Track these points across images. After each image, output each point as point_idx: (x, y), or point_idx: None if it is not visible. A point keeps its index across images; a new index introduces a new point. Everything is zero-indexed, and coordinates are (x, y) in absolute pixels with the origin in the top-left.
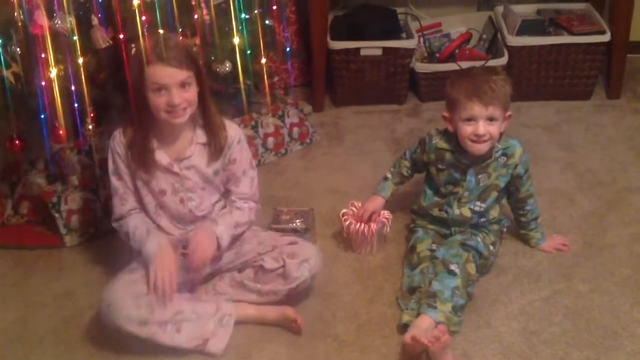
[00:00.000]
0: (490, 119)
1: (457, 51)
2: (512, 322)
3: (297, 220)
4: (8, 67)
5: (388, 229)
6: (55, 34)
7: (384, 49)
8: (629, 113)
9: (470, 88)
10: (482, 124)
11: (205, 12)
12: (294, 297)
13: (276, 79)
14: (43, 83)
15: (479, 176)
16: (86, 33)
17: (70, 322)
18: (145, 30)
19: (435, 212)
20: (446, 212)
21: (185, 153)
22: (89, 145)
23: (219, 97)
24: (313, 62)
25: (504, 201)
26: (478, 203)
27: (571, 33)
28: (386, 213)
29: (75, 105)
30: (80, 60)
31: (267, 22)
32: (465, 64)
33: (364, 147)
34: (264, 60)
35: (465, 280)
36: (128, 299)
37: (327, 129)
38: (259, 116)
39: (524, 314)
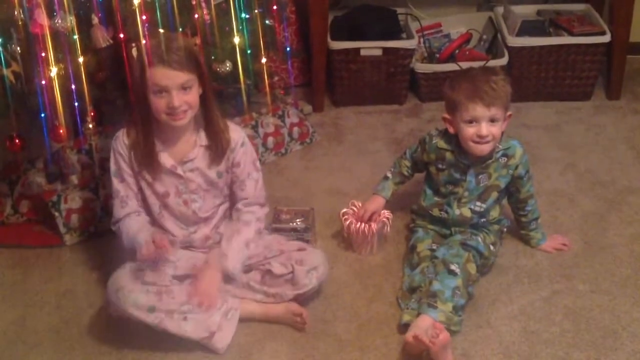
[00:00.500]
0: (492, 120)
1: (457, 51)
2: (513, 321)
3: (298, 220)
4: (8, 66)
5: (388, 229)
6: (56, 33)
7: (384, 49)
8: (628, 114)
9: (471, 89)
10: (484, 126)
11: (205, 11)
12: (299, 301)
13: (276, 78)
14: (43, 82)
15: (479, 176)
16: (86, 32)
17: (69, 321)
18: (145, 29)
19: (436, 212)
20: (446, 212)
21: (188, 155)
22: (89, 144)
23: (219, 96)
24: (313, 62)
25: (505, 201)
26: (478, 203)
27: (571, 34)
28: (386, 213)
29: (76, 104)
30: (81, 60)
31: (267, 22)
32: (465, 65)
33: (364, 147)
34: (264, 60)
35: (466, 280)
36: (136, 285)
37: (327, 129)
38: (259, 116)
39: (525, 313)
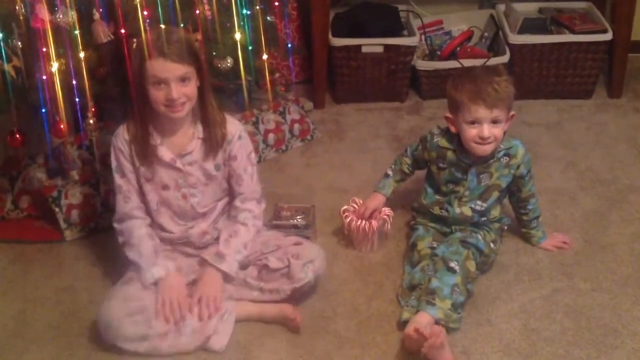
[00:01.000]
0: (495, 122)
1: (458, 49)
2: (513, 319)
3: (298, 217)
4: (9, 60)
5: (389, 226)
6: (57, 28)
7: (386, 46)
8: (630, 112)
9: (473, 90)
10: (486, 127)
11: (207, 7)
12: (297, 297)
13: (277, 75)
14: (44, 77)
15: (481, 176)
16: (87, 27)
17: (69, 316)
18: (146, 25)
19: (436, 210)
20: (447, 210)
21: (186, 148)
22: (90, 139)
23: (220, 93)
24: (314, 58)
25: (505, 200)
26: (479, 202)
27: (573, 32)
28: (387, 210)
29: (76, 99)
30: (82, 55)
31: (268, 18)
32: (466, 62)
33: (365, 145)
34: (265, 57)
35: (465, 278)
36: (124, 318)
37: (328, 126)
38: (259, 112)
39: (525, 311)
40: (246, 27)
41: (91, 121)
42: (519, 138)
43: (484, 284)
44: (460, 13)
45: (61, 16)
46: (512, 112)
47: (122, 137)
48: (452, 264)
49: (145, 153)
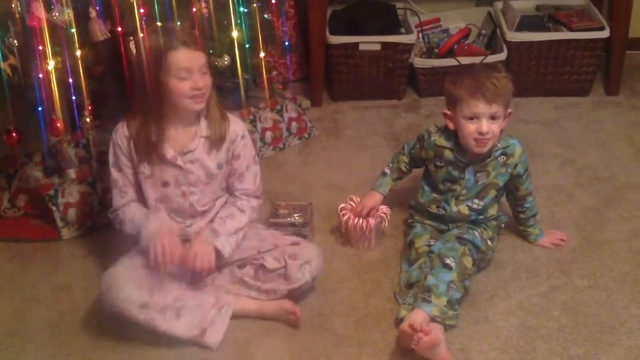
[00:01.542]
0: (493, 117)
1: (456, 46)
2: (510, 317)
3: (296, 215)
4: (5, 59)
5: (386, 224)
6: (53, 26)
7: (383, 44)
8: (627, 109)
9: (473, 85)
10: (485, 122)
11: (203, 5)
12: (294, 297)
13: (274, 73)
14: (40, 75)
15: (478, 174)
16: (84, 25)
17: (67, 315)
18: (143, 23)
19: (433, 208)
20: (444, 209)
21: (189, 146)
22: (87, 138)
23: (217, 91)
24: (312, 56)
25: (503, 198)
26: (476, 201)
27: (570, 29)
28: (384, 208)
29: (73, 98)
30: (78, 53)
31: (265, 16)
32: (464, 60)
33: (363, 142)
34: (262, 55)
35: (462, 274)
36: (129, 281)
37: (326, 123)
38: (257, 110)
39: (522, 309)
40: (243, 24)
41: (88, 119)
42: (516, 137)
43: (481, 282)
44: (458, 11)
45: (57, 14)
46: (509, 110)
47: (121, 132)
48: (448, 261)
49: (147, 149)
